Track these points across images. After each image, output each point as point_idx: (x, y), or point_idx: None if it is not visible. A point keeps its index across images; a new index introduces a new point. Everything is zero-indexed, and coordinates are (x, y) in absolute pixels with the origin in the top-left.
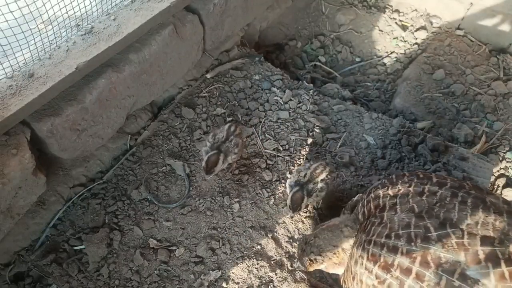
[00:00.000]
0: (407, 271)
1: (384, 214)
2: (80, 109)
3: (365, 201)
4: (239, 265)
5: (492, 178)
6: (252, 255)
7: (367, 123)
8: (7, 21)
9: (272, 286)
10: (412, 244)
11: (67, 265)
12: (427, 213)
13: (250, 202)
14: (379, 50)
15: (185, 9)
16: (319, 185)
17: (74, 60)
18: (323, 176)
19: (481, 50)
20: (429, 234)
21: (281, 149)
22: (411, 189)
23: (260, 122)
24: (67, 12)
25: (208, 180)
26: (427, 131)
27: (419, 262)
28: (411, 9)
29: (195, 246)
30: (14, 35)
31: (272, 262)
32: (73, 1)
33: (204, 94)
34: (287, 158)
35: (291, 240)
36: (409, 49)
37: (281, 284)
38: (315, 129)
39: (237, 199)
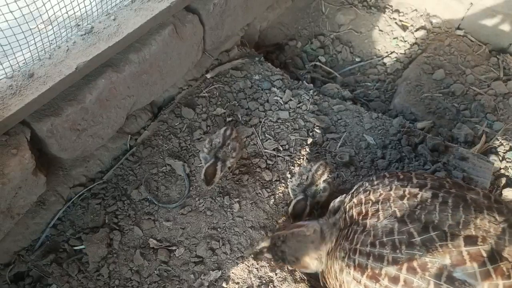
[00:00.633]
0: (395, 280)
1: (367, 222)
2: (80, 109)
3: (347, 206)
4: (239, 265)
5: (492, 178)
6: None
7: (367, 123)
8: (7, 21)
9: (272, 286)
10: (398, 251)
11: (67, 265)
12: (409, 217)
13: (250, 202)
14: (379, 50)
15: (185, 9)
16: (321, 185)
17: (74, 60)
18: (324, 176)
19: (481, 50)
20: (413, 240)
21: (281, 149)
22: (392, 192)
23: (260, 122)
24: (67, 12)
25: (208, 190)
26: (427, 131)
27: (406, 269)
28: (411, 9)
29: (195, 246)
30: (14, 35)
31: (272, 262)
32: (73, 1)
33: (204, 94)
34: (287, 158)
35: None
36: (409, 49)
37: (281, 284)
38: (315, 129)
39: (237, 199)
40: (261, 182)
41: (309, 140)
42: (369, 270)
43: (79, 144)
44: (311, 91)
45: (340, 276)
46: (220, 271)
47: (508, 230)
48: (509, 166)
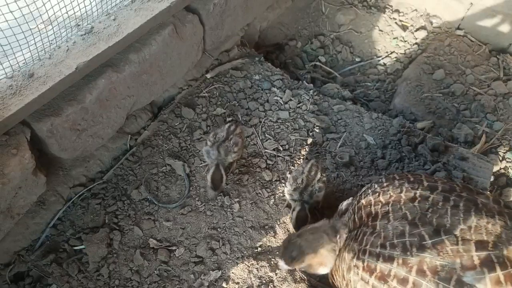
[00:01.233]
0: (404, 281)
1: (376, 223)
2: (80, 109)
3: (356, 208)
4: (239, 265)
5: (492, 178)
6: (252, 255)
7: (367, 123)
8: (7, 21)
9: (272, 286)
10: (408, 253)
11: (67, 265)
12: (421, 220)
13: (250, 202)
14: (379, 50)
15: (185, 9)
16: (317, 186)
17: (74, 60)
18: (318, 176)
19: (481, 50)
20: (424, 242)
21: (281, 149)
22: (402, 195)
23: (260, 122)
24: (67, 12)
25: (217, 196)
26: (427, 131)
27: (415, 271)
28: (411, 9)
29: (195, 246)
30: (14, 35)
31: (272, 262)
32: (73, 1)
33: (204, 94)
34: (287, 158)
35: None
36: (409, 49)
37: (281, 284)
38: (315, 129)
39: (237, 199)
40: (261, 182)
41: (309, 140)
42: (378, 271)
43: (79, 144)
44: (311, 91)
45: (347, 275)
46: (220, 271)
47: None
48: (509, 166)
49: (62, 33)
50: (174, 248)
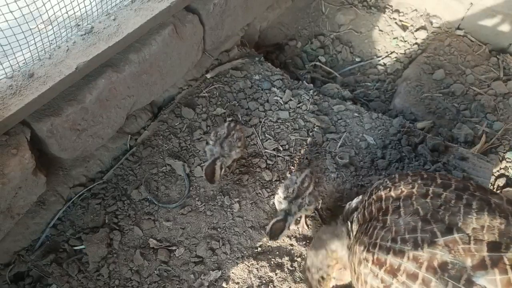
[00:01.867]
0: (413, 276)
1: (387, 218)
2: (80, 109)
3: (366, 203)
4: (239, 265)
5: (492, 178)
6: (252, 255)
7: (367, 123)
8: (7, 21)
9: (272, 286)
10: (419, 249)
11: (67, 265)
12: (433, 217)
13: (250, 202)
14: (379, 50)
15: (185, 9)
16: (307, 199)
17: (74, 60)
18: (310, 189)
19: (481, 50)
20: (436, 239)
21: (281, 149)
22: (414, 190)
23: (260, 122)
24: (67, 12)
25: (214, 187)
26: (427, 131)
27: (425, 267)
28: (411, 9)
29: (195, 246)
30: (14, 35)
31: (272, 262)
32: (73, 1)
33: (204, 94)
34: (287, 158)
35: (291, 240)
36: (409, 49)
37: (281, 284)
38: (315, 129)
39: (237, 199)
40: (261, 182)
41: (309, 140)
42: (387, 265)
43: (79, 144)
44: (311, 91)
45: (358, 268)
46: (220, 271)
47: None
48: (509, 166)
49: (62, 33)
50: (174, 248)
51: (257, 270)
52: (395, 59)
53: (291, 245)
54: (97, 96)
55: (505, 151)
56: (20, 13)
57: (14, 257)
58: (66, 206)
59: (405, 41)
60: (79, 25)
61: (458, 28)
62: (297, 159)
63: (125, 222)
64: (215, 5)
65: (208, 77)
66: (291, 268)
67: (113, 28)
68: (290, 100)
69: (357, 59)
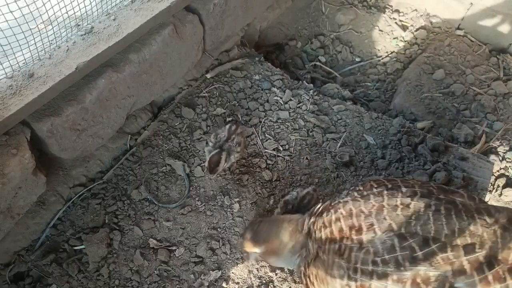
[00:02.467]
0: None
1: (362, 238)
2: (80, 109)
3: (333, 218)
4: (239, 265)
5: (492, 178)
6: None
7: (367, 123)
8: (7, 21)
9: (272, 286)
10: (402, 268)
11: (67, 265)
12: (407, 230)
13: (250, 202)
14: (379, 50)
15: (185, 9)
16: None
17: (74, 60)
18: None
19: (481, 50)
20: (415, 255)
21: (281, 149)
22: (384, 204)
23: (260, 122)
24: (67, 12)
25: (210, 179)
26: (427, 131)
27: (409, 284)
28: (411, 9)
29: (195, 246)
30: (14, 35)
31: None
32: (73, 1)
33: (204, 94)
34: (287, 158)
35: None
36: (409, 49)
37: (281, 284)
38: (315, 129)
39: (237, 199)
40: (261, 182)
41: (309, 140)
42: None
43: (79, 144)
44: (311, 91)
45: None
46: (220, 271)
47: (499, 231)
48: (509, 166)
49: (62, 33)
50: (174, 248)
51: (257, 270)
52: (395, 59)
53: None
54: (97, 96)
55: (505, 151)
56: (20, 13)
57: (14, 257)
58: (66, 206)
59: (405, 41)
60: (79, 25)
61: (458, 28)
62: (297, 159)
63: (125, 222)
64: (215, 5)
65: (208, 77)
66: (291, 268)
67: (113, 28)
68: (290, 100)
69: (357, 59)
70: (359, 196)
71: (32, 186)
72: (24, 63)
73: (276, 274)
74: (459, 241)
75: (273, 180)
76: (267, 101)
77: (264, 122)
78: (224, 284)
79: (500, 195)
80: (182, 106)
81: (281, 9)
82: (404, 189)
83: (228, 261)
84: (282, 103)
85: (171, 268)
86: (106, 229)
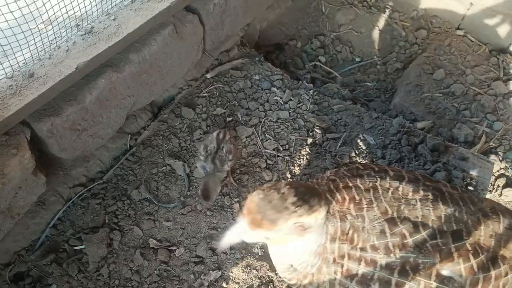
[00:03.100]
0: (387, 283)
1: (364, 214)
2: (80, 109)
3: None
4: (239, 265)
5: (492, 178)
6: (252, 255)
7: (367, 123)
8: (7, 21)
9: (272, 286)
10: (392, 255)
11: (67, 265)
12: (398, 214)
13: None
14: (379, 50)
15: (185, 9)
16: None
17: (74, 60)
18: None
19: (481, 50)
20: (406, 241)
21: (281, 149)
22: (378, 184)
23: (260, 122)
24: (67, 12)
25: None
26: (427, 131)
27: (397, 272)
28: (411, 9)
29: (195, 246)
30: (14, 35)
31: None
32: (73, 1)
33: (204, 94)
34: (287, 158)
35: None
36: (409, 49)
37: (281, 284)
38: (315, 129)
39: (237, 199)
40: (261, 182)
41: (309, 140)
42: (360, 276)
43: (79, 144)
44: (311, 91)
45: (322, 278)
46: (220, 271)
47: (482, 219)
48: (509, 166)
49: (62, 33)
50: (174, 248)
51: (257, 270)
52: (395, 59)
53: None
54: (97, 96)
55: (505, 151)
56: (20, 13)
57: (14, 257)
58: (66, 206)
59: (405, 41)
60: (79, 25)
61: (458, 28)
62: (297, 159)
63: (125, 222)
64: (215, 5)
65: (208, 77)
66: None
67: (113, 28)
68: (290, 100)
69: (357, 59)
70: (349, 174)
71: (32, 186)
72: (24, 63)
73: (276, 274)
74: (444, 227)
75: (273, 180)
76: (267, 101)
77: (264, 122)
78: (224, 284)
79: (500, 195)
80: (182, 106)
81: (281, 9)
82: (391, 173)
83: (228, 261)
84: (282, 103)
85: (171, 268)
86: (106, 229)
